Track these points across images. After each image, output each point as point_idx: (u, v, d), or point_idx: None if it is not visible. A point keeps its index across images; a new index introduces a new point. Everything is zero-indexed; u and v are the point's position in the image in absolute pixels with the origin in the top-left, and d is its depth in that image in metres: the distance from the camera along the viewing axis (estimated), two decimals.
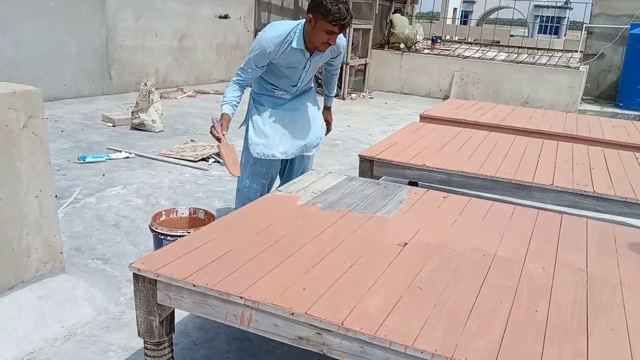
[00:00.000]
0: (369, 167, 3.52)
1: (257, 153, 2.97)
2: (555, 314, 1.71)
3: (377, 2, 9.87)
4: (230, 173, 2.75)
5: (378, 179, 3.54)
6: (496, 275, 1.95)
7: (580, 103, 8.88)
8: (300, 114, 3.07)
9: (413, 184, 4.16)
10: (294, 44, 2.76)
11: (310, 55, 2.83)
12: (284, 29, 2.78)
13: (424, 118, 5.04)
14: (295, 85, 3.00)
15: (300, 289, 1.76)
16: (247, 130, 3.06)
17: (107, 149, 5.13)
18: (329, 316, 1.61)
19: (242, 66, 2.89)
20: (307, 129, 3.07)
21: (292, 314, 1.63)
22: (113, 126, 5.97)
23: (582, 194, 3.09)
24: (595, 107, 9.03)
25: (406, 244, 2.17)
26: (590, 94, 9.85)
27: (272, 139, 2.96)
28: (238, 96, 2.90)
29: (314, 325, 1.62)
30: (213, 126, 2.81)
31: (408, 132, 4.32)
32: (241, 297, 1.70)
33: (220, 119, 2.84)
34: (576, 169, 3.51)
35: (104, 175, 4.43)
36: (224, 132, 2.80)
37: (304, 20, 2.73)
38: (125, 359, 2.31)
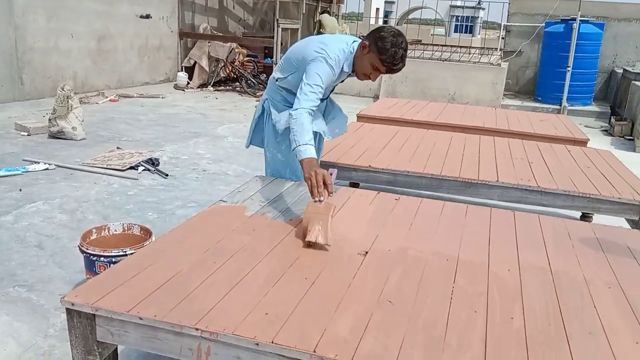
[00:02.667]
0: None
1: None
2: (531, 320, 1.64)
3: (305, 2, 9.77)
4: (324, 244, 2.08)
5: None
6: (464, 281, 1.87)
7: (503, 98, 9.22)
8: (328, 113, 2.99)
9: (354, 184, 4.08)
10: (346, 68, 2.59)
11: (350, 74, 2.68)
12: (343, 48, 2.55)
13: (361, 118, 4.98)
14: (323, 100, 2.87)
15: (262, 313, 1.59)
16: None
17: (23, 160, 4.66)
18: (299, 344, 1.45)
19: (312, 90, 2.44)
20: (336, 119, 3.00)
21: (257, 344, 1.46)
22: (28, 135, 5.46)
23: (527, 189, 3.12)
24: (517, 102, 9.42)
25: (367, 252, 2.05)
26: (510, 90, 10.27)
27: None
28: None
29: (282, 355, 1.45)
30: (331, 174, 2.27)
31: (348, 132, 4.22)
32: (197, 329, 1.50)
33: (308, 161, 2.26)
34: (517, 164, 3.56)
35: (20, 189, 4.01)
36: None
37: (359, 42, 2.56)
38: None
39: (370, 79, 2.60)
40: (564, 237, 2.32)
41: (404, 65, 2.52)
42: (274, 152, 2.91)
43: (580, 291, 1.86)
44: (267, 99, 2.89)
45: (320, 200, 2.17)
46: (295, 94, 2.58)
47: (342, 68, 2.58)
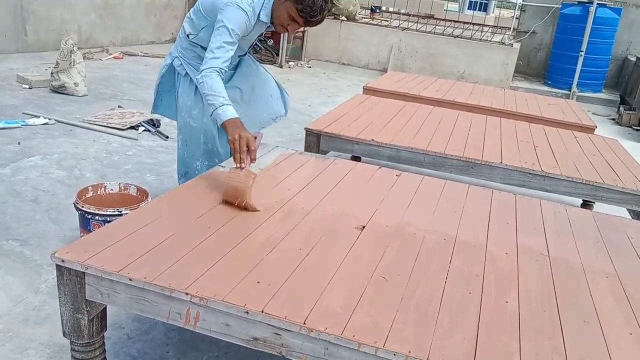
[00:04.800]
0: (315, 141, 3.34)
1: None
2: (526, 305, 1.62)
3: None
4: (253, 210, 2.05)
5: (325, 154, 3.38)
6: (460, 261, 1.85)
7: (512, 79, 9.08)
8: (252, 85, 2.78)
9: (356, 158, 4.03)
10: (263, 17, 2.40)
11: (269, 26, 2.51)
12: None
13: (367, 90, 4.90)
14: (242, 55, 2.73)
15: (254, 282, 1.57)
16: (182, 101, 2.71)
17: (23, 113, 4.60)
18: (289, 314, 1.43)
19: (219, 45, 2.26)
20: (263, 101, 2.80)
21: (247, 313, 1.44)
22: (29, 88, 5.38)
23: (530, 173, 3.07)
24: (526, 84, 9.28)
25: (364, 227, 2.02)
26: (520, 71, 10.10)
27: None
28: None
29: (272, 325, 1.44)
30: (255, 138, 2.15)
31: (353, 104, 4.16)
32: (187, 294, 1.48)
33: (231, 123, 2.15)
34: (522, 147, 3.50)
35: (19, 143, 3.97)
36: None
37: None
38: (49, 358, 2.03)
39: (287, 31, 2.44)
40: (564, 224, 2.29)
41: (324, 18, 2.33)
42: (186, 117, 2.69)
43: (577, 279, 1.84)
44: (177, 56, 2.64)
45: (242, 167, 2.06)
46: (194, 50, 2.47)
47: (259, 16, 2.39)
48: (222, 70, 2.27)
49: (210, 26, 2.44)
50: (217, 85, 2.21)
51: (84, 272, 1.57)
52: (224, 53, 2.27)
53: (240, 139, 2.07)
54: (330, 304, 1.51)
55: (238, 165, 2.07)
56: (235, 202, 2.03)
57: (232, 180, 2.04)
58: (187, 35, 2.60)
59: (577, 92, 8.62)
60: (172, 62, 2.71)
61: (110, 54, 7.53)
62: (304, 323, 1.41)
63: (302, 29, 9.16)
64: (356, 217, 2.09)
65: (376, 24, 9.75)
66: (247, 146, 2.08)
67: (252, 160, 2.12)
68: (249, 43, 2.66)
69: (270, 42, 9.43)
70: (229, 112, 2.18)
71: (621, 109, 7.59)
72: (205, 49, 2.47)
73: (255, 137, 2.15)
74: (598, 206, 3.42)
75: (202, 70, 2.26)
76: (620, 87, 9.53)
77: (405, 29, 9.43)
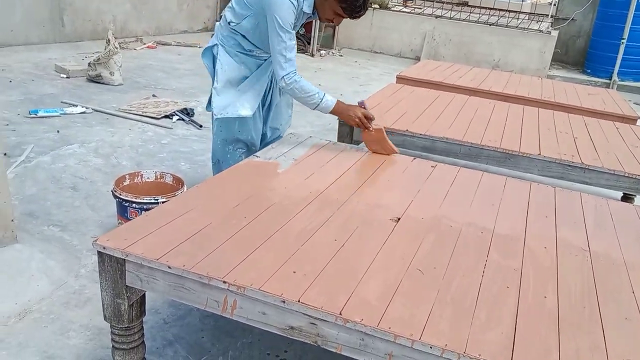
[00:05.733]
0: (348, 131, 3.31)
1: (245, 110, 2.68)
2: (565, 301, 1.59)
3: None
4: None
5: (358, 144, 3.36)
6: (498, 255, 1.82)
7: (549, 68, 8.85)
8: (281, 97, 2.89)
9: None
10: (306, 8, 2.45)
11: (310, 16, 2.56)
12: None
13: (400, 79, 4.84)
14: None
15: (290, 271, 1.58)
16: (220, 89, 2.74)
17: (61, 102, 4.72)
18: (325, 304, 1.44)
19: (285, 46, 2.40)
20: (281, 116, 2.95)
21: (284, 302, 1.45)
22: (67, 77, 5.52)
23: (569, 165, 2.99)
24: (564, 73, 9.03)
25: (399, 219, 2.01)
26: (558, 60, 9.84)
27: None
28: None
29: (308, 315, 1.44)
30: (363, 107, 2.60)
31: (386, 94, 4.12)
32: (224, 282, 1.50)
33: (339, 108, 2.56)
34: (560, 138, 3.41)
35: (58, 131, 4.08)
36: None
37: None
38: (89, 340, 2.10)
39: (333, 23, 2.55)
40: (605, 218, 2.23)
41: (367, 10, 2.47)
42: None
43: (618, 275, 1.79)
44: (217, 44, 2.68)
45: (371, 130, 2.59)
46: (249, 40, 2.56)
47: (302, 7, 2.44)
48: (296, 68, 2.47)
49: (253, 16, 2.49)
50: (306, 85, 2.48)
51: (124, 259, 1.61)
52: (292, 51, 2.44)
53: (360, 117, 2.55)
54: (366, 295, 1.50)
55: (368, 129, 2.60)
56: (382, 150, 2.65)
57: (371, 138, 2.64)
58: (229, 23, 2.63)
59: (618, 81, 8.35)
60: (212, 48, 2.74)
61: (144, 44, 7.64)
62: (340, 314, 1.41)
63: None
64: (391, 209, 2.08)
65: (409, 12, 9.62)
66: (366, 116, 2.55)
67: (372, 120, 2.60)
68: None
69: (302, 31, 9.41)
70: (330, 101, 2.52)
71: None
72: (245, 38, 2.57)
73: (364, 107, 2.62)
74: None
75: (285, 77, 2.45)
76: None
77: (438, 16, 9.28)
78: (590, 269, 1.79)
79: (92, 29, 7.11)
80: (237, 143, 2.79)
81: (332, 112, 2.55)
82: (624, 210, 2.34)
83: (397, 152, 2.67)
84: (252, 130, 2.76)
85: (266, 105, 2.86)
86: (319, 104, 2.50)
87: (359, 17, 2.46)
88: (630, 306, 1.62)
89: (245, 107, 2.67)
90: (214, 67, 2.71)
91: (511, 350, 1.34)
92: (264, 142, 2.94)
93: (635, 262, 1.89)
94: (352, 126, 2.65)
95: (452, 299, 1.54)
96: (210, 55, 2.74)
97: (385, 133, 2.64)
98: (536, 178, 3.25)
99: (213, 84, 2.70)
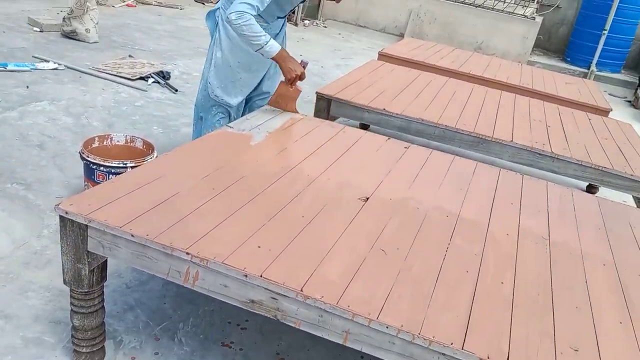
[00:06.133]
0: (325, 106, 3.31)
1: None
2: (521, 287, 1.63)
3: None
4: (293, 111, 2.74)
5: (334, 120, 3.35)
6: (461, 239, 1.85)
7: (531, 54, 8.89)
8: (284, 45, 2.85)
9: (364, 126, 4.00)
10: None
11: None
12: None
13: (382, 56, 4.81)
14: (281, 17, 2.74)
15: (255, 246, 1.58)
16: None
17: (33, 57, 4.57)
18: (287, 280, 1.45)
19: None
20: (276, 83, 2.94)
21: (246, 276, 1.46)
22: (40, 31, 5.33)
23: (539, 153, 3.04)
24: (544, 59, 9.09)
25: (367, 198, 2.02)
26: (540, 46, 9.88)
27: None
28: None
29: (269, 290, 1.46)
30: (304, 66, 2.60)
31: (367, 70, 4.09)
32: (187, 253, 1.50)
33: (281, 56, 2.51)
34: (534, 126, 3.46)
35: (27, 87, 3.96)
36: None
37: None
38: (48, 301, 2.08)
39: None
40: (568, 208, 2.28)
41: None
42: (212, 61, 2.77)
43: (574, 265, 1.84)
44: (219, 7, 2.73)
45: (292, 86, 2.63)
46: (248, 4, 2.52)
47: None
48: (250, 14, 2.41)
49: None
50: (256, 26, 2.41)
51: (87, 225, 1.59)
52: (256, 1, 2.40)
53: (297, 73, 2.56)
54: (328, 273, 1.52)
55: (290, 84, 2.62)
56: (285, 107, 2.72)
57: (286, 93, 2.68)
58: None
59: (596, 71, 8.45)
60: (214, 12, 2.77)
61: (124, 2, 7.39)
62: (301, 290, 1.43)
63: None
64: (361, 188, 2.09)
65: None
66: (300, 77, 2.58)
67: (301, 79, 2.62)
68: (290, 4, 2.69)
69: None
70: (275, 46, 2.47)
71: (639, 91, 7.45)
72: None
73: (304, 66, 2.62)
74: (604, 191, 3.41)
75: (237, 12, 2.37)
76: None
77: None
78: (548, 258, 1.84)
79: None
80: (219, 107, 2.82)
81: (274, 59, 2.51)
82: (587, 202, 2.40)
83: (297, 112, 2.75)
84: (234, 107, 2.83)
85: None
86: (263, 47, 2.44)
87: None
88: (582, 295, 1.67)
89: (235, 96, 2.78)
90: (215, 30, 2.75)
91: (464, 334, 1.38)
92: (249, 105, 2.98)
93: (591, 252, 1.95)
94: (286, 77, 2.59)
95: (412, 280, 1.56)
96: (213, 18, 2.77)
97: (297, 96, 2.71)
98: (507, 164, 3.30)
99: (214, 53, 2.74)
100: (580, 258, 1.89)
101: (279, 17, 2.72)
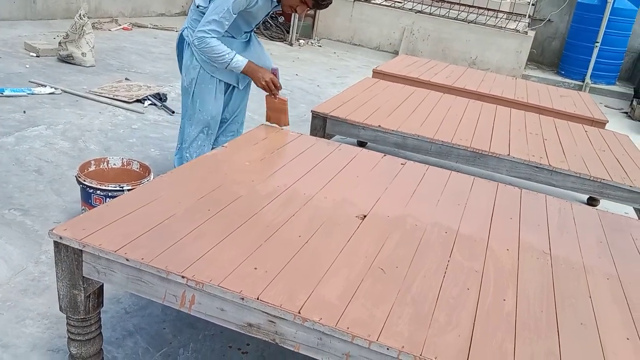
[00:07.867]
0: (321, 124, 3.31)
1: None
2: (523, 304, 1.61)
3: None
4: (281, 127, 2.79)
5: (330, 137, 3.35)
6: (461, 256, 1.83)
7: (525, 68, 8.95)
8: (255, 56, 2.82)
9: (361, 144, 4.00)
10: None
11: (277, 5, 2.58)
12: None
13: (377, 74, 4.84)
14: (247, 32, 2.72)
15: (251, 268, 1.56)
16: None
17: (30, 82, 4.58)
18: (284, 303, 1.43)
19: (216, 18, 2.45)
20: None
21: (242, 299, 1.44)
22: (37, 56, 5.35)
23: (537, 167, 3.03)
24: (538, 73, 9.15)
25: (365, 216, 2.00)
26: (534, 60, 9.96)
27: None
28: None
29: (266, 312, 1.43)
30: (274, 74, 2.64)
31: (361, 88, 4.11)
32: (183, 277, 1.48)
33: (249, 68, 2.57)
34: (530, 140, 3.46)
35: (24, 112, 3.96)
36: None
37: None
38: (46, 329, 2.05)
39: (297, 12, 2.58)
40: (568, 222, 2.26)
41: (331, 1, 2.56)
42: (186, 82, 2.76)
43: (577, 280, 1.82)
44: (187, 27, 2.72)
45: (275, 97, 2.67)
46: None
47: None
48: (213, 36, 2.49)
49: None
50: (218, 47, 2.48)
51: (81, 250, 1.57)
52: (221, 24, 2.47)
53: (267, 81, 2.58)
54: (326, 294, 1.50)
55: (274, 94, 2.66)
56: (278, 121, 2.77)
57: (273, 106, 2.74)
58: (197, 7, 2.65)
59: (591, 83, 8.50)
60: (182, 33, 2.76)
61: (119, 25, 7.46)
62: (299, 312, 1.40)
63: (311, 11, 9.05)
64: (358, 206, 2.07)
65: (389, 5, 9.60)
66: (274, 83, 2.59)
67: (280, 88, 2.66)
68: (255, 20, 2.67)
69: (281, 20, 9.31)
70: (240, 61, 2.54)
71: (634, 102, 7.48)
72: None
73: (275, 74, 2.67)
74: (606, 202, 3.39)
75: (199, 35, 2.47)
76: (635, 80, 9.38)
77: (418, 11, 9.29)
78: (550, 273, 1.82)
79: (66, 7, 6.91)
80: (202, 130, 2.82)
81: (243, 72, 2.57)
82: (587, 214, 2.39)
83: (288, 126, 2.80)
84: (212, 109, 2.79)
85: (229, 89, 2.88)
86: (229, 63, 2.52)
87: (324, 6, 2.53)
88: (587, 311, 1.65)
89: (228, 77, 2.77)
90: (179, 49, 2.81)
91: (467, 354, 1.35)
92: (224, 126, 2.98)
93: (593, 266, 1.92)
94: (258, 86, 2.63)
95: (412, 300, 1.54)
96: (181, 38, 2.79)
97: (287, 106, 2.73)
98: (505, 178, 3.29)
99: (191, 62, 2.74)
100: (583, 272, 1.87)
101: (245, 32, 2.73)
